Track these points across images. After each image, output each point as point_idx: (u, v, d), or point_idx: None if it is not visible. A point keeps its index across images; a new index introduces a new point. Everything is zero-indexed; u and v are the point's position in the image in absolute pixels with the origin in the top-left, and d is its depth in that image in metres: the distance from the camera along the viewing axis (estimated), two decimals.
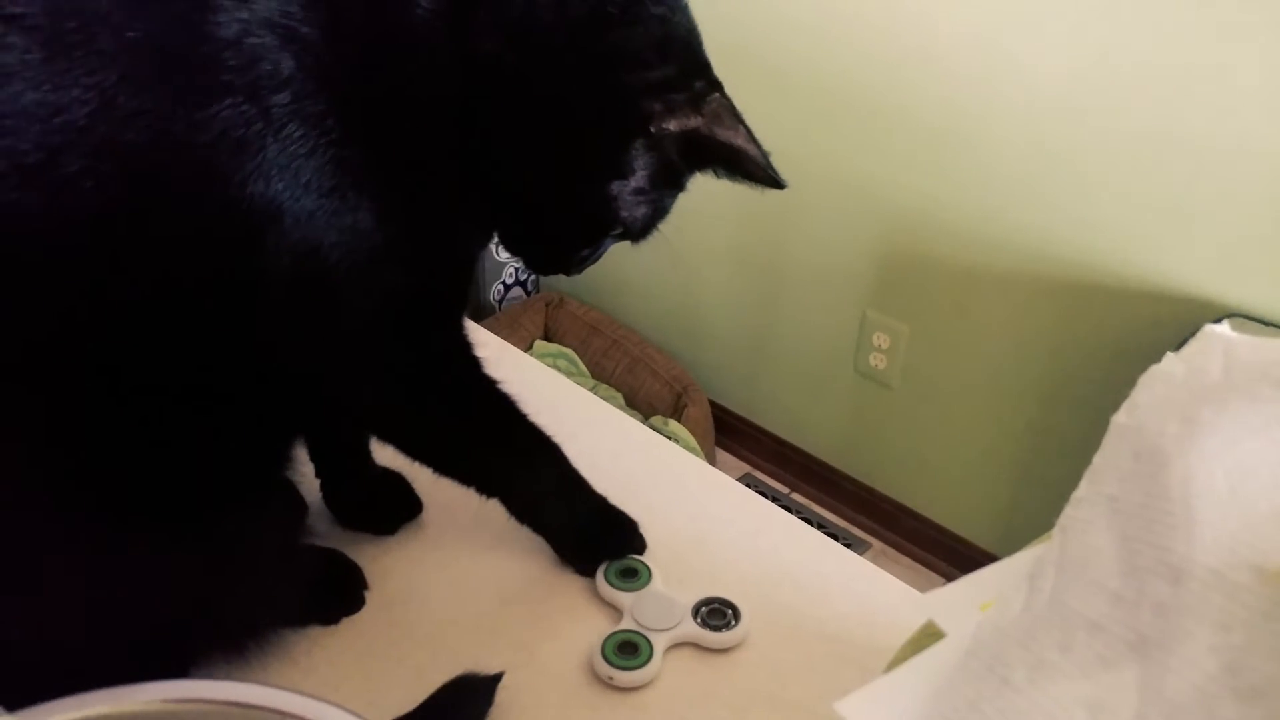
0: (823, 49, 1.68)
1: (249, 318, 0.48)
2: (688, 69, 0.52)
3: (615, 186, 0.54)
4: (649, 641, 0.59)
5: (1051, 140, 1.48)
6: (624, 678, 0.57)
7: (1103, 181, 1.45)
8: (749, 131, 0.53)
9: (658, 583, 0.63)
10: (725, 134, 0.52)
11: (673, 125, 0.52)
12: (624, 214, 0.55)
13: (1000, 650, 0.29)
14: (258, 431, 0.53)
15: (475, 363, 0.58)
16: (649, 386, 2.02)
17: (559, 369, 1.99)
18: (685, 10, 0.54)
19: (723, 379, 2.13)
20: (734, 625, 0.61)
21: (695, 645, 0.60)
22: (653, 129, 0.52)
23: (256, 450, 0.54)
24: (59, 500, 0.46)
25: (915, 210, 1.68)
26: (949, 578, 0.44)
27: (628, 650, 0.58)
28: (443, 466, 0.60)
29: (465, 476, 0.61)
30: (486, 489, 0.61)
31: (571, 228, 0.57)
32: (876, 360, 1.84)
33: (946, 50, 1.54)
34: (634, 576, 0.63)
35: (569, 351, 2.11)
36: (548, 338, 2.17)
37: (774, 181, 0.54)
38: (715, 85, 0.52)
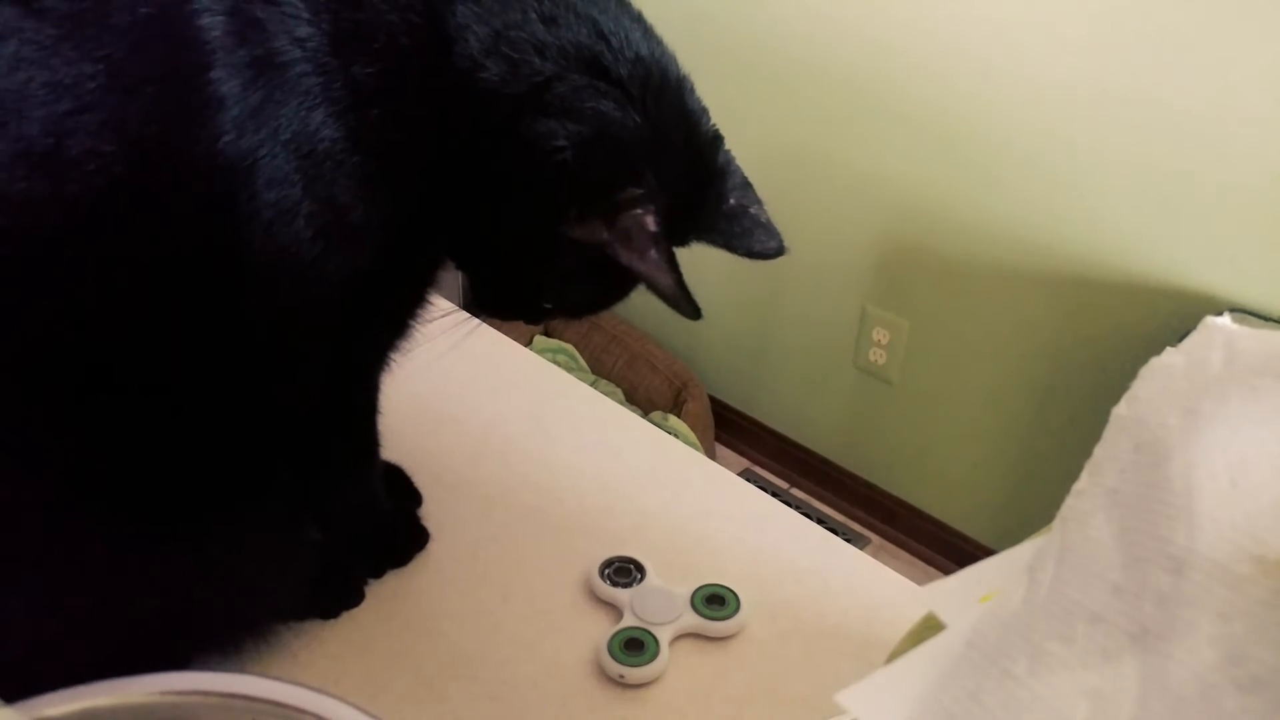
0: (822, 44, 1.68)
1: (237, 301, 0.47)
2: (616, 176, 0.48)
3: (541, 269, 0.52)
4: (654, 637, 0.59)
5: (1051, 135, 1.48)
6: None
7: (1103, 176, 1.45)
8: (662, 256, 0.48)
9: (654, 577, 0.63)
10: (628, 256, 0.48)
11: (578, 233, 0.49)
12: (549, 297, 0.54)
13: (1001, 641, 0.29)
14: (256, 425, 0.53)
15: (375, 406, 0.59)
16: (649, 382, 2.02)
17: (559, 364, 1.98)
18: (651, 98, 0.49)
19: (722, 374, 2.13)
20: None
21: (697, 637, 0.60)
22: (563, 230, 0.49)
23: (257, 443, 0.54)
24: (57, 494, 0.46)
25: (915, 205, 1.68)
26: (948, 574, 0.45)
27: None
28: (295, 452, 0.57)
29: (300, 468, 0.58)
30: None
31: (506, 291, 0.56)
32: (876, 355, 1.84)
33: (946, 46, 1.54)
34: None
35: (569, 347, 2.11)
36: (548, 333, 2.17)
37: (681, 311, 0.50)
38: (649, 196, 0.48)
